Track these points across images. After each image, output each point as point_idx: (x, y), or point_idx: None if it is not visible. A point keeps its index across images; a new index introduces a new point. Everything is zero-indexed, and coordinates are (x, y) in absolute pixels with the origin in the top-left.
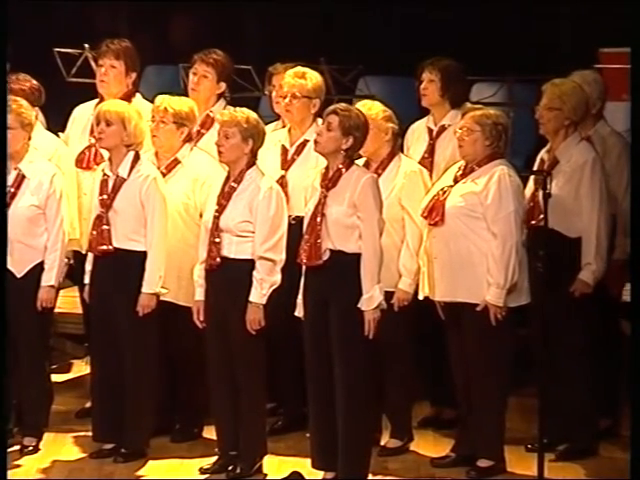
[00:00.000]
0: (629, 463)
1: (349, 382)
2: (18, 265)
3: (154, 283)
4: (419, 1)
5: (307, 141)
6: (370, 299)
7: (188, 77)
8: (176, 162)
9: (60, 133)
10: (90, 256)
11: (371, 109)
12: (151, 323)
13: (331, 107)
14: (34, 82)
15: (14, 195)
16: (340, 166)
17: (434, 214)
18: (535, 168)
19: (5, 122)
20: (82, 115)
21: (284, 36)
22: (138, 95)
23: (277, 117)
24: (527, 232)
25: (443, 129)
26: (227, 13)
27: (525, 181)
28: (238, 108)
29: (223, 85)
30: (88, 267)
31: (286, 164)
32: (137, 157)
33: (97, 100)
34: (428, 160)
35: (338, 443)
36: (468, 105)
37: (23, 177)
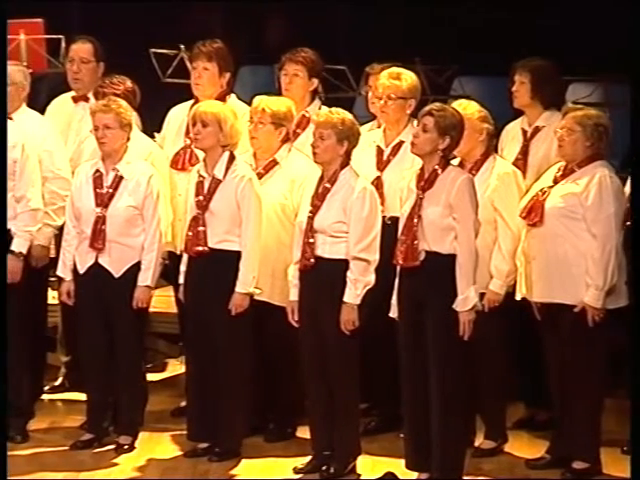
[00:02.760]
0: (630, 462)
1: (444, 383)
2: (115, 265)
3: (248, 283)
4: (515, 2)
5: (403, 142)
6: (465, 300)
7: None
8: (274, 163)
9: (156, 134)
10: (185, 256)
11: (467, 109)
12: (245, 323)
13: (426, 108)
14: (129, 84)
15: (112, 196)
16: (436, 167)
17: (533, 215)
18: None
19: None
20: (177, 116)
21: (379, 36)
22: (233, 95)
23: (372, 117)
24: (625, 233)
25: (537, 130)
26: (322, 13)
27: (623, 181)
28: (334, 109)
29: (315, 81)
30: (183, 267)
31: (382, 165)
32: (232, 158)
33: (192, 101)
34: (522, 161)
35: (432, 444)
36: (569, 105)
37: (121, 178)
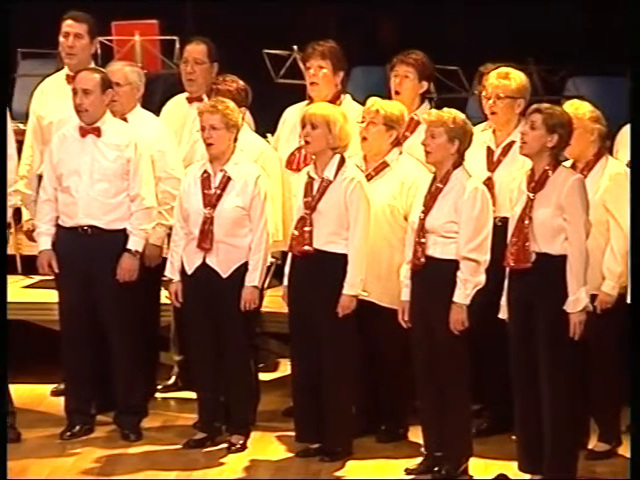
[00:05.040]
0: (629, 463)
1: (555, 384)
2: (223, 265)
3: (356, 285)
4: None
5: (513, 142)
6: (576, 301)
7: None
8: (384, 165)
9: (268, 135)
10: (289, 257)
11: (578, 109)
12: (350, 324)
13: (533, 106)
14: (241, 83)
15: (220, 197)
16: (547, 168)
17: None
18: None
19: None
20: (292, 116)
21: (492, 36)
22: (348, 96)
23: (485, 118)
24: None
25: None
26: (435, 14)
27: None
28: (445, 108)
29: (425, 84)
30: (287, 269)
31: (492, 165)
32: (342, 160)
33: (307, 102)
34: None
35: (544, 445)
36: None
37: (229, 179)
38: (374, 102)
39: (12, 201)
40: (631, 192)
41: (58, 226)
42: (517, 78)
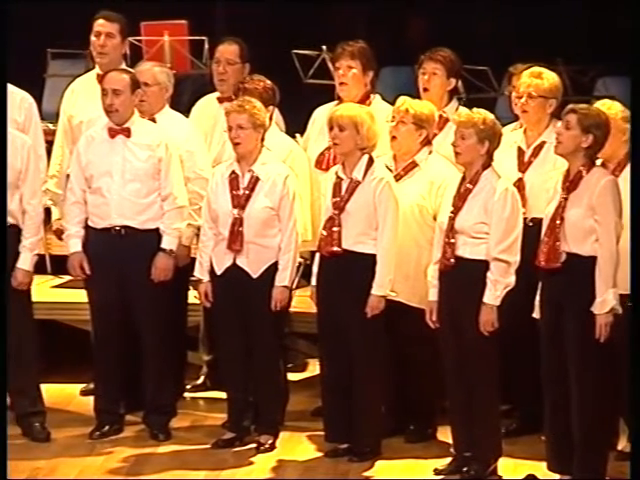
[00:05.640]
0: (629, 463)
1: (584, 385)
2: (253, 266)
3: (385, 285)
4: None
5: (544, 142)
6: (603, 303)
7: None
8: (414, 164)
9: (298, 135)
10: (317, 257)
11: (610, 109)
12: (379, 324)
13: (569, 106)
14: (268, 82)
15: (248, 197)
16: (581, 168)
17: None
18: None
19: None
20: (321, 116)
21: (521, 37)
22: (377, 96)
23: (515, 118)
24: None
25: None
26: (464, 14)
27: None
28: (475, 109)
29: (453, 81)
30: (315, 268)
31: (523, 166)
32: (371, 161)
33: (336, 102)
34: None
35: (574, 446)
36: None
37: (257, 179)
38: (404, 101)
39: (42, 201)
40: (632, 192)
41: (88, 227)
42: (550, 78)
